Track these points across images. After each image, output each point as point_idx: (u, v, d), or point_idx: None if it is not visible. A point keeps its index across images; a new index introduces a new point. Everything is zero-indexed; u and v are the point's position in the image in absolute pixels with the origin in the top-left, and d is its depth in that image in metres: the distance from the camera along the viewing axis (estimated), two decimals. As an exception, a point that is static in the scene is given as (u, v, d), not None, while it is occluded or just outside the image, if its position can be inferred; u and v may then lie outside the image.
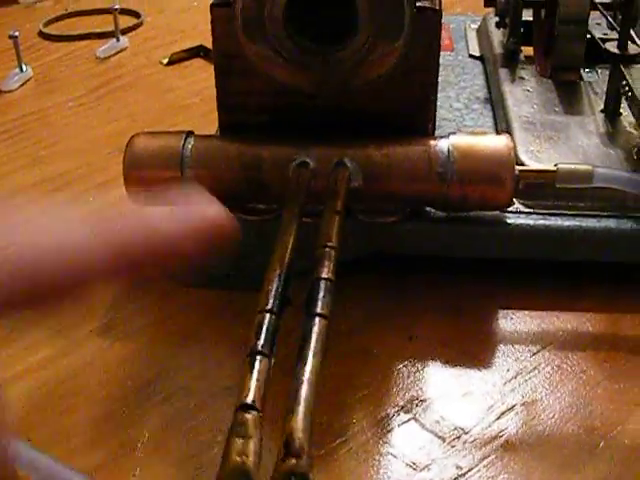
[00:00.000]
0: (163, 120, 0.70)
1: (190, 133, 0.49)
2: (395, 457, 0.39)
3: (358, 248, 0.49)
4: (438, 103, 0.62)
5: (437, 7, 0.46)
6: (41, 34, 0.88)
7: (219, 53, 0.48)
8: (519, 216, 0.48)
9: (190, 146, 0.48)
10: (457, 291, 0.49)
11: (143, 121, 0.70)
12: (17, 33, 0.76)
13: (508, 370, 0.43)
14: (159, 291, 0.50)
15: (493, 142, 0.46)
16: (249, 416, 0.30)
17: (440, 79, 0.65)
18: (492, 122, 0.59)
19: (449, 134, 0.47)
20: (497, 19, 0.66)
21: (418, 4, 0.45)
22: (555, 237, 0.48)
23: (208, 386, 0.43)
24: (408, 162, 0.46)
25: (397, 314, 0.47)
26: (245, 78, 0.48)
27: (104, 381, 0.44)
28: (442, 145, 0.46)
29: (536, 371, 0.43)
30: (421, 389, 0.42)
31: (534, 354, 0.44)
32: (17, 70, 0.77)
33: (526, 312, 0.47)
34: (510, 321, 0.47)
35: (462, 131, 0.50)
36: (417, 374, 0.43)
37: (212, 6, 0.47)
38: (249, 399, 0.31)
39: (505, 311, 0.47)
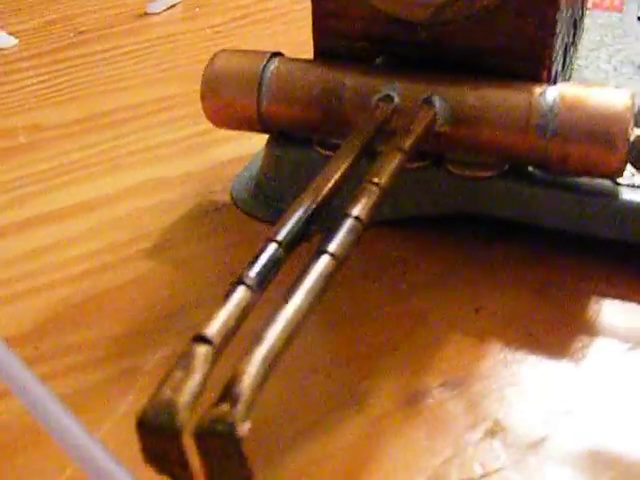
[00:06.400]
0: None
1: (276, 54, 0.45)
2: (416, 439, 0.33)
3: (442, 204, 0.43)
4: (583, 63, 0.55)
5: None
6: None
7: (314, -34, 0.43)
8: (637, 191, 0.41)
9: (273, 67, 0.44)
10: (546, 267, 0.42)
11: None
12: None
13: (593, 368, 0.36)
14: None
15: (609, 96, 0.39)
16: (200, 349, 0.26)
17: (595, 38, 0.59)
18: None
19: (560, 83, 0.40)
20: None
21: None
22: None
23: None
24: (505, 108, 0.40)
25: (469, 283, 0.41)
26: (340, -1, 0.43)
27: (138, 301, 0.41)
28: (548, 94, 0.39)
29: (619, 373, 0.36)
30: (469, 366, 0.36)
31: (625, 352, 0.37)
32: (167, -7, 0.76)
33: (623, 303, 0.40)
34: (602, 310, 0.39)
35: (577, 81, 0.43)
36: (468, 350, 0.37)
37: None
38: (208, 331, 0.26)
39: (598, 297, 0.40)
